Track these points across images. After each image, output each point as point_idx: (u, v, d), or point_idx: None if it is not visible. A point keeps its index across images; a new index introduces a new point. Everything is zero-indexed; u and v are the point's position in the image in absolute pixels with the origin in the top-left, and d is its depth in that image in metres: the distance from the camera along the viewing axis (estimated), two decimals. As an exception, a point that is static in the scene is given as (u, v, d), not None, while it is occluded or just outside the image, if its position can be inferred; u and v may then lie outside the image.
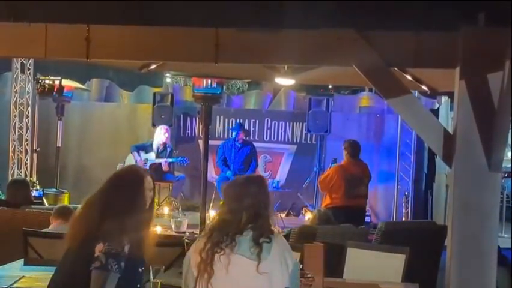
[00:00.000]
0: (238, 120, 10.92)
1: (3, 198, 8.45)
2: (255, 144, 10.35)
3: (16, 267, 4.38)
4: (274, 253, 2.85)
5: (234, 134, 9.78)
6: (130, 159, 9.90)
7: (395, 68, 4.53)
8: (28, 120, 10.76)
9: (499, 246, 4.08)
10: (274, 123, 11.27)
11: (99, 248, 2.99)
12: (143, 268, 3.16)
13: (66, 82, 10.06)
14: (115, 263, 2.97)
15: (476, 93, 3.75)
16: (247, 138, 10.24)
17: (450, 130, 4.01)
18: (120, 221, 3.02)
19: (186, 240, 4.00)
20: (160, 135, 9.91)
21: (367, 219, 9.19)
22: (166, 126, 10.05)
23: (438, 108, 10.79)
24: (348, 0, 3.66)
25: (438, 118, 8.63)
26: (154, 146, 9.86)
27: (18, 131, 10.72)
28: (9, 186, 6.78)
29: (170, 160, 9.76)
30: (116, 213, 3.05)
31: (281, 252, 2.88)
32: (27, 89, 10.73)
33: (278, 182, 10.87)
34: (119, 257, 2.98)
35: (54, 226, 5.14)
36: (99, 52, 4.44)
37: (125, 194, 3.13)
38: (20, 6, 3.83)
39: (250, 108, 12.13)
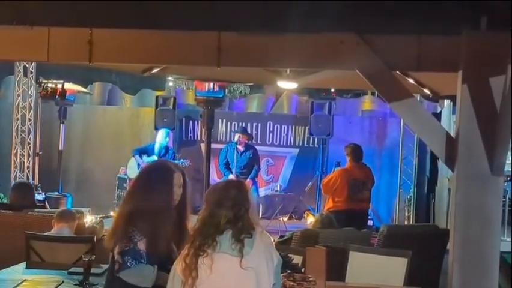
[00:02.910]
0: (240, 124, 10.92)
1: (5, 201, 8.47)
2: (258, 147, 10.35)
3: (18, 270, 4.38)
4: (257, 247, 2.85)
5: (235, 137, 9.77)
6: (133, 163, 9.91)
7: (398, 72, 4.53)
8: (30, 124, 10.78)
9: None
10: (277, 127, 11.28)
11: (116, 250, 2.99)
12: (155, 267, 3.05)
13: (68, 85, 10.07)
14: (131, 258, 2.95)
15: (479, 96, 3.75)
16: (250, 142, 10.24)
17: (452, 134, 4.00)
18: (142, 218, 2.99)
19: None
20: (162, 138, 9.92)
21: (369, 222, 9.17)
22: (168, 130, 10.07)
23: (440, 111, 10.78)
24: (351, 4, 3.66)
25: (440, 122, 8.61)
26: (156, 149, 9.87)
27: (21, 134, 10.74)
28: (13, 190, 6.78)
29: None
30: (141, 209, 3.01)
31: (265, 247, 2.88)
32: (29, 92, 10.75)
33: (280, 185, 10.87)
34: (134, 251, 2.95)
35: (56, 229, 5.14)
36: (101, 56, 4.45)
37: (152, 189, 3.07)
38: (23, 9, 3.84)
39: (252, 111, 12.14)
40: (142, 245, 2.98)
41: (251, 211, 2.94)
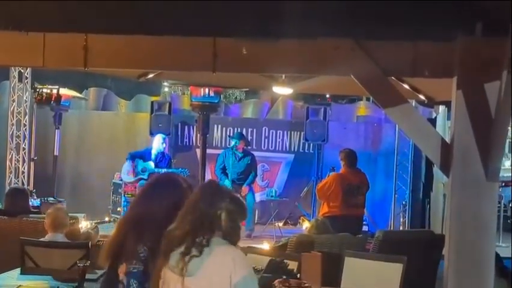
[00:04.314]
0: (236, 129, 10.92)
1: (0, 207, 8.44)
2: (253, 153, 10.34)
3: (13, 276, 4.37)
4: (207, 269, 2.60)
5: (233, 142, 9.76)
6: (125, 167, 9.88)
7: (393, 77, 4.54)
8: (26, 129, 10.75)
9: (500, 257, 4.07)
10: (272, 132, 11.29)
11: (122, 269, 2.79)
12: None
13: (64, 91, 10.07)
14: (137, 281, 2.76)
15: (474, 102, 3.76)
16: (248, 148, 10.23)
17: (447, 139, 4.01)
18: (149, 235, 2.77)
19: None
20: (159, 144, 9.91)
21: (364, 228, 9.18)
22: (163, 135, 10.05)
23: (435, 117, 10.81)
24: (346, 10, 3.67)
25: (435, 127, 8.65)
26: (153, 155, 9.86)
27: (16, 140, 10.72)
28: (8, 195, 6.76)
29: (169, 171, 9.78)
30: (146, 227, 2.79)
31: (220, 268, 2.61)
32: (24, 97, 10.73)
33: (276, 191, 10.87)
34: (142, 274, 2.75)
35: (50, 236, 5.13)
36: (97, 61, 4.44)
37: (168, 207, 2.83)
38: (18, 15, 3.83)
39: (247, 117, 12.15)
40: (151, 265, 2.75)
41: (228, 226, 2.67)
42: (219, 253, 2.63)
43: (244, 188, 9.61)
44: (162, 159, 9.87)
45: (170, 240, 2.66)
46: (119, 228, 2.95)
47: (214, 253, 2.63)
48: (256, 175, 9.93)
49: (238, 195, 2.92)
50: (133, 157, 9.89)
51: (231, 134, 10.53)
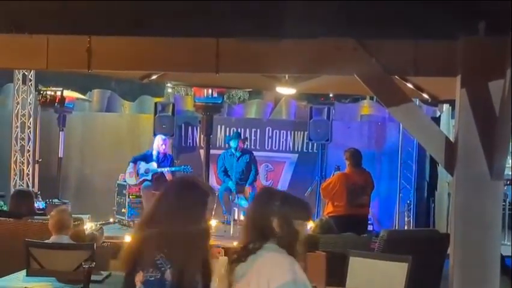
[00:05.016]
0: (239, 130, 10.91)
1: (5, 209, 8.46)
2: (257, 153, 10.34)
3: (19, 278, 4.38)
4: (248, 274, 2.65)
5: (232, 143, 9.75)
6: (127, 170, 9.89)
7: (396, 77, 4.53)
8: (30, 131, 10.78)
9: (502, 255, 4.07)
10: (276, 132, 11.28)
11: (139, 277, 2.65)
12: None
13: (67, 93, 10.09)
14: None
15: (477, 101, 3.75)
16: (246, 146, 10.23)
17: (451, 138, 4.01)
18: (174, 243, 2.66)
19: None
20: (158, 145, 9.91)
21: (369, 227, 9.17)
22: (163, 136, 10.04)
23: (439, 116, 10.80)
24: (348, 9, 3.67)
25: (439, 126, 8.63)
26: (154, 156, 9.87)
27: (20, 142, 10.74)
28: (13, 197, 6.78)
29: (173, 169, 9.77)
30: (174, 233, 2.67)
31: (259, 274, 2.62)
32: (29, 100, 10.76)
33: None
34: (160, 282, 2.62)
35: (55, 237, 5.14)
36: (100, 63, 4.45)
37: (186, 210, 2.73)
38: (22, 17, 3.84)
39: (251, 117, 12.15)
40: (169, 275, 2.63)
41: (283, 231, 2.67)
42: (263, 259, 2.64)
43: (247, 188, 9.61)
44: (164, 159, 9.88)
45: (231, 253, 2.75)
46: (136, 234, 2.85)
47: (260, 259, 2.64)
48: (257, 172, 9.90)
49: (294, 195, 2.85)
50: (135, 160, 9.89)
51: (230, 135, 10.45)
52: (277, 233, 2.68)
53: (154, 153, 9.85)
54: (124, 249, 2.79)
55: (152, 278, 2.62)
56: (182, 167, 9.80)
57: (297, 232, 2.72)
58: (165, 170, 9.68)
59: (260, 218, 2.69)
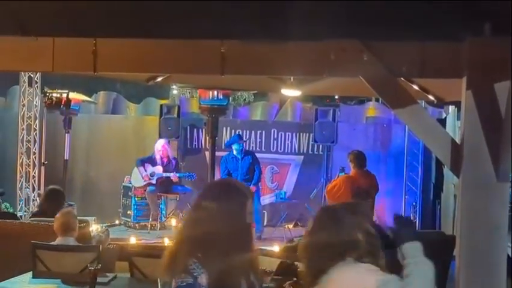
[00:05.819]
0: (245, 132, 10.91)
1: (11, 211, 8.48)
2: (262, 155, 10.34)
3: (25, 279, 4.39)
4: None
5: (236, 146, 9.74)
6: (136, 173, 9.91)
7: (402, 78, 4.53)
8: (36, 134, 10.80)
9: (509, 257, 4.05)
10: (281, 134, 11.28)
11: (173, 285, 2.52)
12: None
13: (73, 95, 10.10)
14: None
15: (483, 102, 3.74)
16: (245, 146, 10.22)
17: (457, 140, 4.00)
18: (203, 246, 2.54)
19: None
20: (157, 149, 9.94)
21: (375, 229, 9.14)
22: (163, 142, 10.04)
23: (445, 117, 10.77)
24: (354, 11, 3.66)
25: (445, 128, 8.62)
26: (158, 160, 9.88)
27: (26, 144, 10.77)
28: (47, 196, 6.78)
29: (178, 174, 9.82)
30: (211, 237, 2.55)
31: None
32: (34, 102, 10.79)
33: (285, 193, 10.86)
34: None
35: (61, 239, 5.15)
36: (106, 65, 4.46)
37: (227, 214, 2.61)
38: (27, 20, 3.85)
39: (256, 119, 12.15)
40: (203, 280, 2.49)
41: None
42: (342, 271, 2.48)
43: (252, 188, 9.60)
44: (168, 163, 9.89)
45: None
46: (174, 240, 2.74)
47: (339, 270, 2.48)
48: (260, 171, 9.90)
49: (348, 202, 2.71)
50: (143, 162, 9.91)
51: (230, 139, 10.42)
52: (361, 245, 2.53)
53: (157, 157, 9.87)
54: (162, 257, 2.66)
55: (184, 284, 2.49)
56: (187, 173, 9.81)
57: (376, 237, 2.60)
58: (171, 174, 9.70)
59: (338, 236, 2.51)
